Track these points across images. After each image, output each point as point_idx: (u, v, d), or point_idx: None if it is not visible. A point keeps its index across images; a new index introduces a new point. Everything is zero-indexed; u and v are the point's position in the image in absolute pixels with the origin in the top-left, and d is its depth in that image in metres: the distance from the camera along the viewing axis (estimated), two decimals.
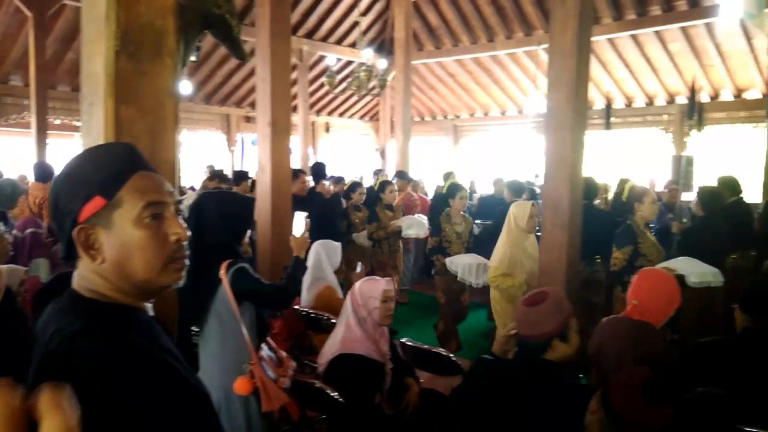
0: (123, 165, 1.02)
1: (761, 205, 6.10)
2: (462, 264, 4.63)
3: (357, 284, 2.94)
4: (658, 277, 2.51)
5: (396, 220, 5.87)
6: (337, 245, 4.06)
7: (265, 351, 2.44)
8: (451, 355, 3.34)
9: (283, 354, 2.57)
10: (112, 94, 1.88)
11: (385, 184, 6.09)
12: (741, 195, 5.18)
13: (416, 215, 6.33)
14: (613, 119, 11.25)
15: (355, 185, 6.49)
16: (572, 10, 3.04)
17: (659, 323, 2.38)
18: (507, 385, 1.53)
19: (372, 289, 2.84)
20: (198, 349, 2.50)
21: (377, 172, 8.09)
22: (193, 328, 2.61)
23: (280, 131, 4.08)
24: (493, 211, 6.91)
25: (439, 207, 6.26)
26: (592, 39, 10.32)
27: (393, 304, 2.87)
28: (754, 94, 10.21)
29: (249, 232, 2.61)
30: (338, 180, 7.25)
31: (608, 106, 8.19)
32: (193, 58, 8.57)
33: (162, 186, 1.04)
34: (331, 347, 2.85)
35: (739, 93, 10.52)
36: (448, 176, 7.75)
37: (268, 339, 2.55)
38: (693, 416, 1.76)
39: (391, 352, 2.98)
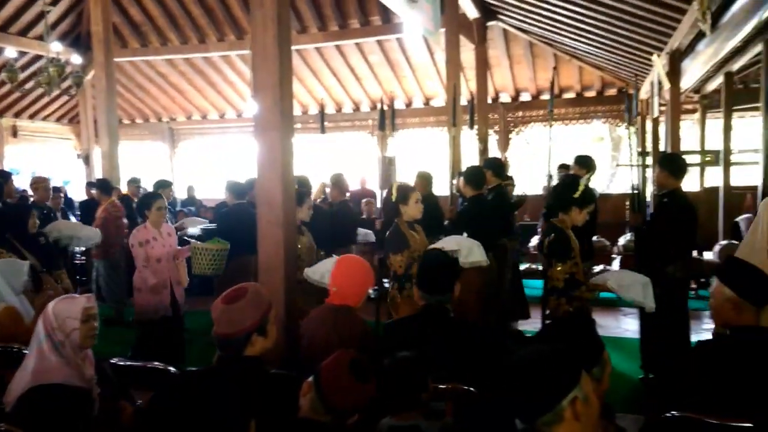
0: None
1: (450, 195, 7.13)
2: (626, 284, 3.45)
3: (50, 305, 2.56)
4: (352, 263, 2.74)
5: (435, 244, 3.84)
6: (23, 264, 3.51)
7: None
8: (171, 368, 3.16)
9: None
10: None
11: (407, 191, 3.90)
12: (431, 187, 6.08)
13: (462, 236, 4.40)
14: (327, 123, 12.02)
15: (301, 194, 4.21)
16: (270, 12, 3.10)
17: (357, 304, 2.62)
18: (205, 390, 1.43)
19: (69, 309, 2.51)
20: None
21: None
22: None
23: None
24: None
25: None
26: (302, 47, 10.88)
27: (96, 323, 2.59)
28: (439, 102, 11.92)
29: None
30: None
31: (321, 111, 8.78)
32: None
33: None
34: (20, 381, 2.44)
35: (427, 101, 12.18)
36: (162, 185, 7.15)
37: None
38: (392, 375, 1.97)
39: (99, 375, 2.69)
